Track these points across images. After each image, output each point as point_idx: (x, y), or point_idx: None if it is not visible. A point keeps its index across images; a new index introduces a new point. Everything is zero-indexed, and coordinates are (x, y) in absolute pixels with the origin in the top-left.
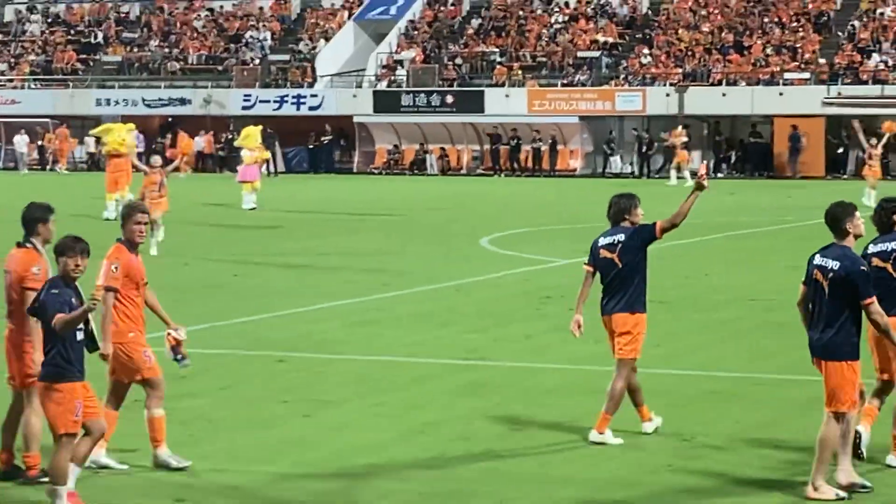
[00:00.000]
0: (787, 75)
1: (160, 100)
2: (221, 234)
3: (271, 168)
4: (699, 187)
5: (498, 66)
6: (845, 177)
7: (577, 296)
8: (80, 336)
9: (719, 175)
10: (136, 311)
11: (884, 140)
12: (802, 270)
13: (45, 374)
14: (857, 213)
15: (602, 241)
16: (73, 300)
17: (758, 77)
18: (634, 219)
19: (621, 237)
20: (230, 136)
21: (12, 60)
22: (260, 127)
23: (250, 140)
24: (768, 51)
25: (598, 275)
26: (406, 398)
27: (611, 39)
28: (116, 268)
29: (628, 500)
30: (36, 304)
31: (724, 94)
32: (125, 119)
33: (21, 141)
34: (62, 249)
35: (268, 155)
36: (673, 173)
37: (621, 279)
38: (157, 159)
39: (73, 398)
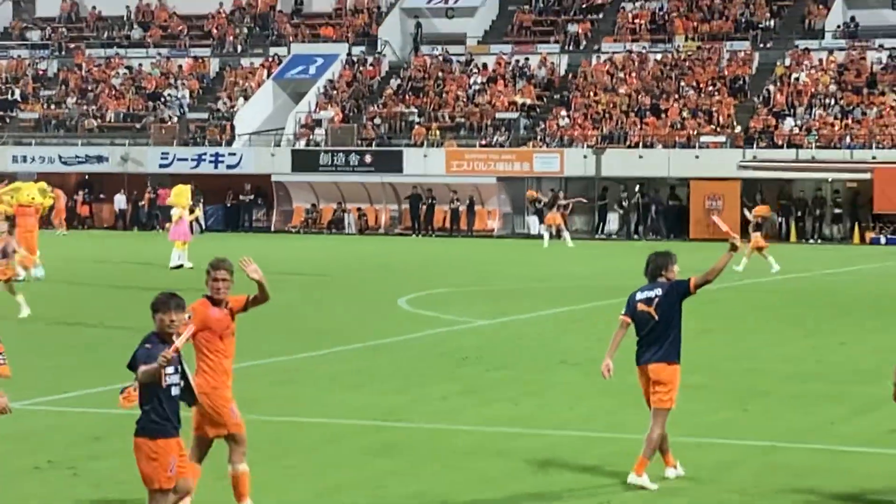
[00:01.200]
0: (703, 138)
1: (77, 157)
2: (137, 290)
3: (200, 226)
4: (733, 248)
5: (416, 126)
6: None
7: (610, 343)
8: (175, 392)
9: (635, 237)
10: (221, 364)
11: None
12: (714, 334)
13: (142, 430)
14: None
15: (639, 296)
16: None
17: (674, 140)
18: (670, 275)
19: (658, 292)
20: (152, 196)
21: None
22: (189, 186)
23: (181, 198)
24: (684, 114)
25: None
26: (319, 458)
27: (529, 101)
28: (189, 316)
29: None
30: (132, 359)
31: (640, 157)
32: (41, 176)
33: None
34: (157, 306)
35: (198, 213)
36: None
37: (657, 332)
38: (2, 225)
39: (168, 454)
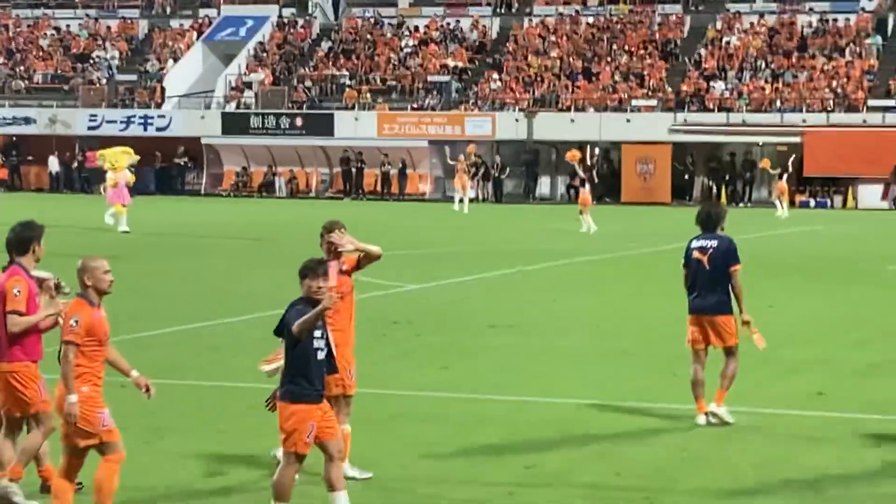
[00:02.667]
0: (634, 102)
1: (4, 119)
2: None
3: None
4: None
5: (348, 90)
6: (691, 203)
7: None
8: (320, 356)
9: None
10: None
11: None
12: (644, 298)
13: (284, 394)
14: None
15: (695, 244)
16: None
17: (606, 104)
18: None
19: (714, 244)
20: (80, 158)
21: None
22: (123, 148)
23: (118, 160)
24: (616, 77)
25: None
26: (249, 425)
27: (461, 64)
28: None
29: None
30: (280, 324)
31: (572, 121)
32: None
33: None
34: (305, 272)
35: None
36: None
37: (707, 281)
38: None
39: (307, 419)
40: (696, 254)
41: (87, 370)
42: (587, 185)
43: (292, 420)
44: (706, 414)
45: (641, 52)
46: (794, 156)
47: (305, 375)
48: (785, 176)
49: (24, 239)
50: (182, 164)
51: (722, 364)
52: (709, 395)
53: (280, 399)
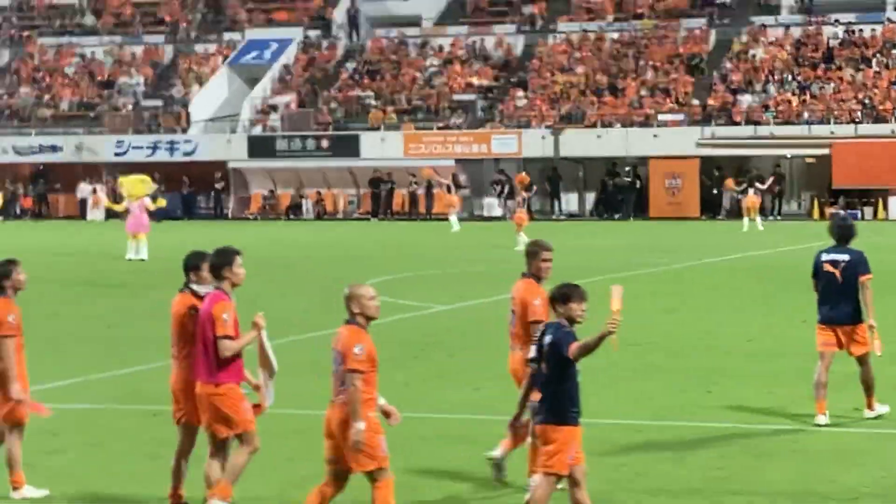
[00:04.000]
0: (661, 117)
1: (31, 147)
2: (93, 283)
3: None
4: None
5: (373, 110)
6: (720, 217)
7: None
8: (579, 377)
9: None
10: None
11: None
12: (677, 314)
13: (550, 416)
14: None
15: (825, 257)
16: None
17: (632, 119)
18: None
19: (846, 257)
20: (111, 184)
21: None
22: (140, 176)
23: (137, 188)
24: (642, 92)
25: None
26: (285, 450)
27: (486, 82)
28: (539, 302)
29: None
30: (542, 346)
31: (599, 136)
32: None
33: None
34: (570, 296)
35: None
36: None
37: (839, 294)
38: None
39: (571, 441)
40: (827, 266)
41: (369, 397)
42: (525, 205)
43: (558, 441)
44: (825, 414)
45: (667, 66)
46: (773, 173)
47: (571, 397)
48: (751, 191)
49: (217, 265)
50: (220, 188)
51: (858, 371)
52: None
53: (544, 421)
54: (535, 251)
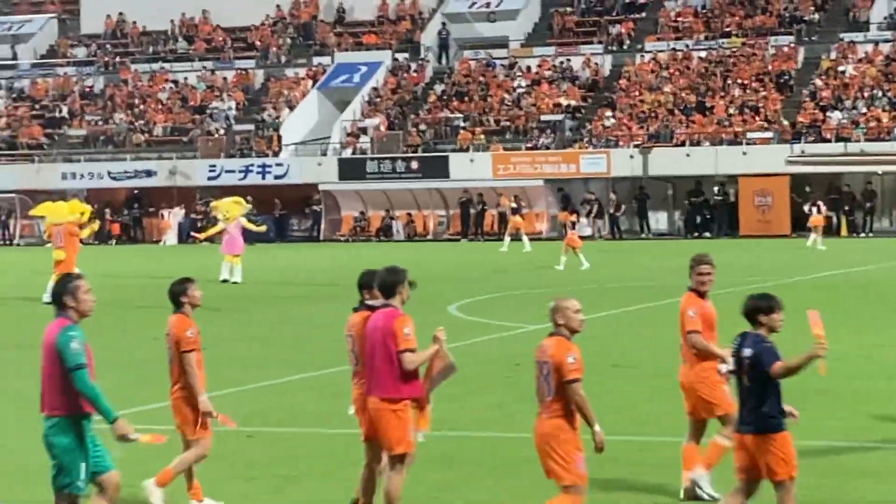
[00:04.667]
0: (750, 135)
1: (126, 172)
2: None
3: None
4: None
5: (462, 131)
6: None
7: None
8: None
9: (703, 235)
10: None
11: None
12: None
13: (769, 426)
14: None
15: None
16: None
17: (721, 137)
18: None
19: None
20: (204, 208)
21: None
22: (235, 199)
23: (232, 210)
24: (731, 111)
25: None
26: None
27: (574, 102)
28: (694, 313)
29: None
30: (741, 359)
31: (687, 155)
32: (91, 192)
33: None
34: (771, 306)
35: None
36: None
37: None
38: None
39: (789, 444)
40: None
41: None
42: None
43: (787, 447)
44: None
45: (755, 84)
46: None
47: (776, 405)
48: (814, 210)
49: (390, 283)
50: (319, 210)
51: None
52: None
53: (755, 432)
54: (691, 264)
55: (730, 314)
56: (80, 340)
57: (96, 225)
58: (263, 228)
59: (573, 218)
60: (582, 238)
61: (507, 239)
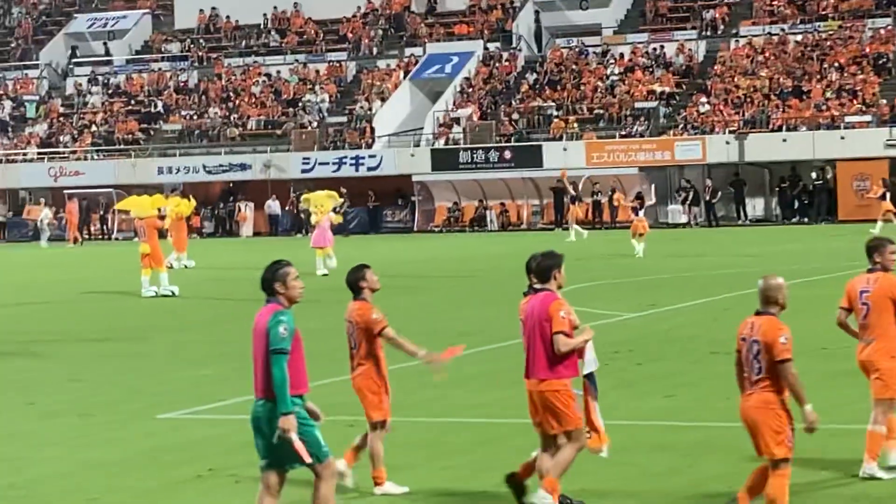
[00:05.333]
0: (847, 118)
1: (220, 166)
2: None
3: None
4: None
5: (555, 120)
6: None
7: None
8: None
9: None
10: None
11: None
12: None
13: None
14: None
15: None
16: None
17: (818, 121)
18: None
19: None
20: (296, 200)
21: (75, 132)
22: (327, 192)
23: (321, 203)
24: (828, 94)
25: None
26: (475, 461)
27: (668, 89)
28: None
29: None
30: None
31: (784, 140)
32: (187, 186)
33: (46, 213)
34: None
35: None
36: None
37: None
38: None
39: None
40: None
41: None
42: (640, 213)
43: None
44: None
45: (853, 67)
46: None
47: None
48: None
49: (545, 267)
50: (416, 201)
51: None
52: None
53: None
54: (878, 245)
55: (834, 299)
56: (289, 326)
57: (182, 210)
58: (340, 219)
59: (635, 204)
60: (679, 225)
61: (574, 228)
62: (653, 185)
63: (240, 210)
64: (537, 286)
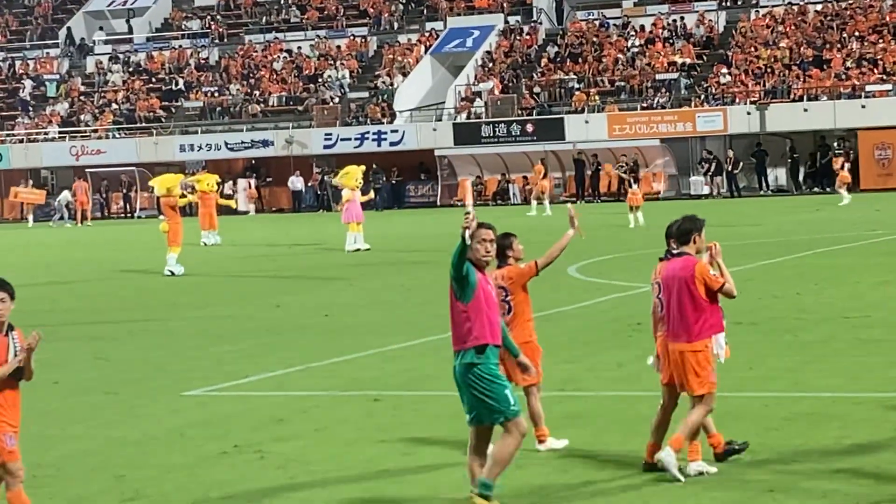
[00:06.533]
0: (868, 87)
1: (243, 143)
2: (310, 273)
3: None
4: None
5: (576, 93)
6: None
7: None
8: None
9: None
10: None
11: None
12: (892, 286)
13: None
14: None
15: None
16: None
17: (839, 91)
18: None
19: None
20: (322, 176)
21: (96, 111)
22: (361, 167)
23: (349, 179)
24: (849, 64)
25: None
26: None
27: (688, 60)
28: None
29: None
30: None
31: (805, 110)
32: (209, 163)
33: (66, 194)
34: None
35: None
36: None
37: None
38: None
39: None
40: None
41: None
42: (634, 186)
43: None
44: None
45: (873, 36)
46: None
47: None
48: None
49: (685, 230)
50: (445, 175)
51: None
52: None
53: None
54: None
55: (855, 268)
56: None
57: (202, 186)
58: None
59: (630, 177)
60: (702, 196)
61: (535, 203)
62: (667, 158)
63: (248, 187)
64: (675, 250)
